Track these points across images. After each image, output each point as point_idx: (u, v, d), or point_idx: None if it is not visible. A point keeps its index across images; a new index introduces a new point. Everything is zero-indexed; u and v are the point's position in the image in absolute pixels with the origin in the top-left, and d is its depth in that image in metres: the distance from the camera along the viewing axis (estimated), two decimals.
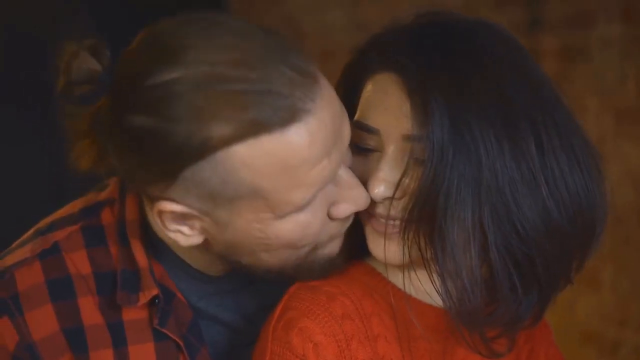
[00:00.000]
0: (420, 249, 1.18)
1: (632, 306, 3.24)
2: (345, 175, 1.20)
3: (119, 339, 1.22)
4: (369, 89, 1.23)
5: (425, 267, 1.20)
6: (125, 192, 1.27)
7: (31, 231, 1.29)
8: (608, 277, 3.32)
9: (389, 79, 1.21)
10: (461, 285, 1.17)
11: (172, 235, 1.18)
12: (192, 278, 1.29)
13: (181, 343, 1.23)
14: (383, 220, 1.21)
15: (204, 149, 1.10)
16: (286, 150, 1.11)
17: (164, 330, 1.23)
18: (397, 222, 1.20)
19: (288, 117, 1.10)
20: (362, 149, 1.23)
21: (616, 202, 3.61)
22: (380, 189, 1.19)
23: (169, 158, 1.11)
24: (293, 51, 1.14)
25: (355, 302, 1.22)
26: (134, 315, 1.23)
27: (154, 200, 1.16)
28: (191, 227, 1.18)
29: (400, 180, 1.18)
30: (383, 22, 1.27)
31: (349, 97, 1.26)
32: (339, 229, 1.23)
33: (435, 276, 1.19)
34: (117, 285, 1.23)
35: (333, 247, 1.24)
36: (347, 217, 1.23)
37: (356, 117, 1.24)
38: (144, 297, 1.22)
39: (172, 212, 1.16)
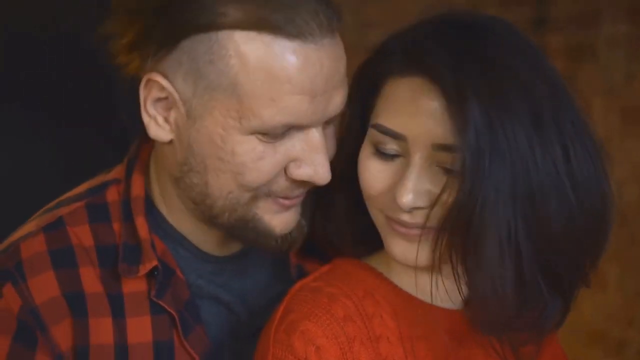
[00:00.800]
0: (451, 259, 1.17)
1: (638, 306, 3.24)
2: (318, 138, 1.22)
3: (118, 310, 1.24)
4: (393, 91, 1.19)
5: (453, 274, 1.18)
6: (131, 172, 1.30)
7: (40, 211, 1.32)
8: (614, 277, 3.32)
9: (419, 84, 1.17)
10: (492, 294, 1.16)
11: (146, 120, 1.22)
12: (194, 256, 1.30)
13: (176, 316, 1.24)
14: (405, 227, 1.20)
15: (211, 24, 1.16)
16: (278, 60, 1.16)
17: (160, 302, 1.24)
18: (416, 225, 1.19)
19: (294, 33, 1.16)
20: (383, 153, 1.20)
21: (622, 202, 3.61)
22: (408, 199, 1.17)
23: (178, 22, 1.17)
24: (331, 2, 1.21)
25: (356, 303, 1.21)
26: (133, 287, 1.25)
27: (148, 72, 1.21)
28: (165, 119, 1.22)
29: (440, 195, 1.16)
30: (389, 21, 1.27)
31: (365, 96, 1.24)
32: (285, 192, 1.24)
33: (460, 282, 1.18)
34: (118, 258, 1.25)
35: (272, 219, 1.25)
36: (297, 185, 1.24)
37: (378, 120, 1.20)
38: (144, 269, 1.24)
39: (158, 91, 1.20)
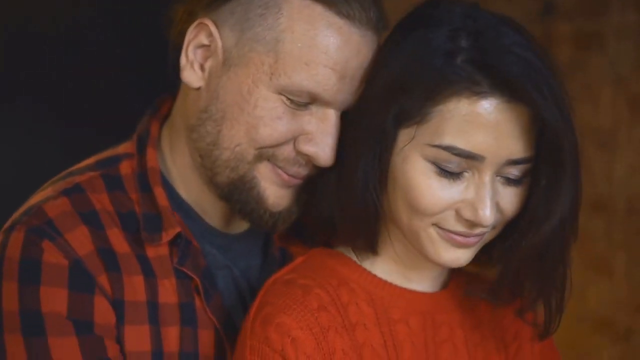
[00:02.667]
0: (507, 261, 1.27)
1: None
2: (333, 120, 1.27)
3: (148, 270, 1.28)
4: (467, 111, 1.17)
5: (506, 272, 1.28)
6: (144, 146, 1.34)
7: (49, 181, 1.34)
8: (621, 265, 3.33)
9: (499, 102, 1.17)
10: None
11: (183, 62, 1.29)
12: (205, 229, 1.35)
13: (199, 282, 1.29)
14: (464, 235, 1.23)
15: None
16: (323, 31, 1.23)
17: (183, 269, 1.29)
18: (478, 235, 1.23)
19: (345, 12, 1.23)
20: (446, 171, 1.19)
21: (630, 190, 3.62)
22: (491, 217, 1.20)
23: None
24: (383, 8, 1.28)
25: (331, 293, 1.24)
26: (157, 252, 1.29)
27: (200, 16, 1.28)
28: (201, 66, 1.28)
29: (527, 203, 1.23)
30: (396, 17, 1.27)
31: (410, 102, 1.21)
32: (287, 162, 1.28)
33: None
34: (139, 226, 1.29)
35: (268, 187, 1.29)
36: (299, 161, 1.28)
37: (449, 141, 1.18)
38: (167, 236, 1.29)
39: (205, 36, 1.27)
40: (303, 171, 1.30)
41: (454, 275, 1.34)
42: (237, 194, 1.30)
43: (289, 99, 1.25)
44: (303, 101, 1.25)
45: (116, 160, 1.35)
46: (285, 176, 1.29)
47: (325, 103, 1.26)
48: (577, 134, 1.20)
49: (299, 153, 1.28)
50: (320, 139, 1.27)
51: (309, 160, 1.28)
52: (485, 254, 1.29)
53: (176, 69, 1.30)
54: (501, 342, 1.34)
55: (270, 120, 1.25)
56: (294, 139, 1.28)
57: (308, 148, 1.27)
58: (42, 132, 2.76)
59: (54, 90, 2.80)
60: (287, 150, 1.28)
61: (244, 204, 1.30)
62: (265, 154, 1.27)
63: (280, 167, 1.29)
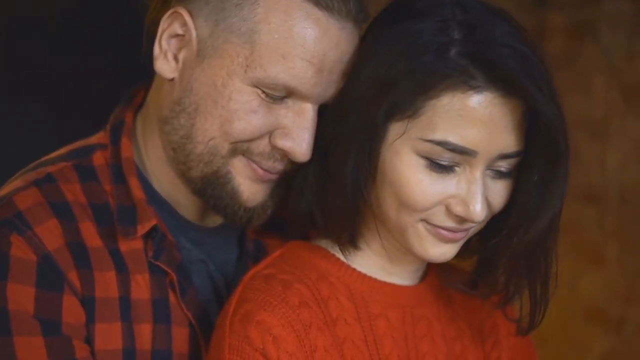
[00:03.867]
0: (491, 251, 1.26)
1: (637, 283, 3.25)
2: (310, 114, 1.24)
3: (120, 265, 1.24)
4: (460, 105, 1.15)
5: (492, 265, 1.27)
6: (118, 136, 1.31)
7: (18, 173, 1.31)
8: (614, 255, 3.33)
9: (494, 97, 1.16)
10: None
11: (156, 52, 1.26)
12: (180, 223, 1.32)
13: (174, 277, 1.26)
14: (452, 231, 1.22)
15: None
16: (301, 22, 1.20)
17: (158, 263, 1.26)
18: (466, 229, 1.23)
19: (323, 4, 1.20)
20: (438, 164, 1.18)
21: (623, 181, 3.62)
22: (483, 211, 1.19)
23: None
24: (363, 1, 1.25)
25: (311, 288, 1.22)
26: (130, 246, 1.26)
27: (174, 6, 1.25)
28: (175, 56, 1.25)
29: (517, 199, 1.22)
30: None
31: (401, 95, 1.19)
32: (262, 157, 1.25)
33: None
34: (113, 218, 1.26)
35: (243, 182, 1.26)
36: (275, 156, 1.25)
37: (441, 136, 1.16)
38: (142, 229, 1.26)
39: (179, 26, 1.24)
40: (278, 166, 1.27)
41: (430, 267, 1.32)
42: (210, 189, 1.27)
43: (264, 92, 1.22)
44: (279, 94, 1.22)
45: (89, 150, 1.31)
46: (260, 171, 1.27)
47: (302, 97, 1.23)
48: (568, 128, 1.19)
49: (274, 148, 1.25)
50: (297, 133, 1.23)
51: (284, 155, 1.25)
52: (464, 246, 1.27)
53: (150, 58, 1.28)
54: (478, 336, 1.33)
55: (245, 113, 1.22)
56: (269, 133, 1.24)
57: (284, 143, 1.24)
58: (42, 126, 2.76)
59: (54, 85, 2.80)
60: (262, 145, 1.25)
61: (218, 199, 1.27)
62: (239, 148, 1.25)
63: (255, 162, 1.26)
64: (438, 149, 1.16)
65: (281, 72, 1.20)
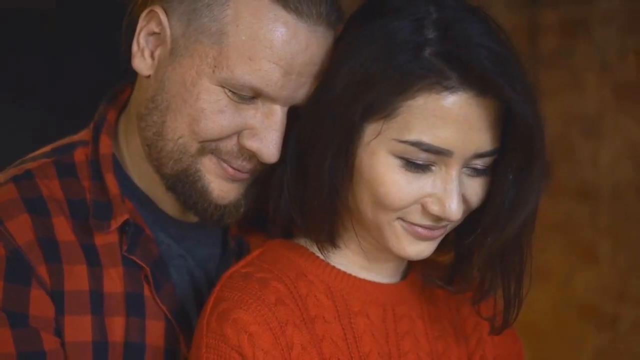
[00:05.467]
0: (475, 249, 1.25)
1: (631, 280, 3.26)
2: (279, 116, 1.24)
3: (93, 259, 1.26)
4: (436, 106, 1.15)
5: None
6: (99, 133, 1.33)
7: (1, 172, 1.34)
8: (607, 252, 3.33)
9: (469, 97, 1.15)
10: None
11: (134, 49, 1.28)
12: (159, 218, 1.34)
13: (148, 271, 1.27)
14: (427, 228, 1.22)
15: None
16: (268, 25, 1.21)
17: (132, 257, 1.27)
18: (442, 227, 1.23)
19: (292, 7, 1.21)
20: (413, 164, 1.18)
21: (616, 178, 3.62)
22: (459, 209, 1.19)
23: None
24: (337, 2, 1.26)
25: (289, 286, 1.22)
26: (105, 240, 1.27)
27: (151, 4, 1.27)
28: (151, 54, 1.27)
29: (492, 199, 1.22)
30: None
31: (374, 95, 1.19)
32: (230, 157, 1.26)
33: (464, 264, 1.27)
34: (89, 213, 1.28)
35: (213, 181, 1.28)
36: (243, 155, 1.26)
37: (416, 136, 1.16)
38: (115, 223, 1.27)
39: (155, 24, 1.26)
40: (248, 165, 1.27)
41: (412, 264, 1.32)
42: (181, 186, 1.28)
43: (232, 91, 1.23)
44: (246, 95, 1.23)
45: (71, 147, 1.33)
46: (230, 170, 1.27)
47: (269, 99, 1.24)
48: (544, 129, 1.19)
49: (242, 147, 1.26)
50: (264, 134, 1.24)
51: (253, 154, 1.26)
52: (442, 241, 1.27)
53: (129, 55, 1.30)
54: (461, 334, 1.33)
55: (212, 113, 1.23)
56: (237, 133, 1.25)
57: (251, 143, 1.25)
58: (34, 125, 2.76)
59: (47, 85, 2.80)
60: (230, 144, 1.26)
61: (187, 196, 1.29)
62: (208, 147, 1.26)
63: (224, 161, 1.27)
64: (413, 149, 1.16)
65: (247, 74, 1.21)
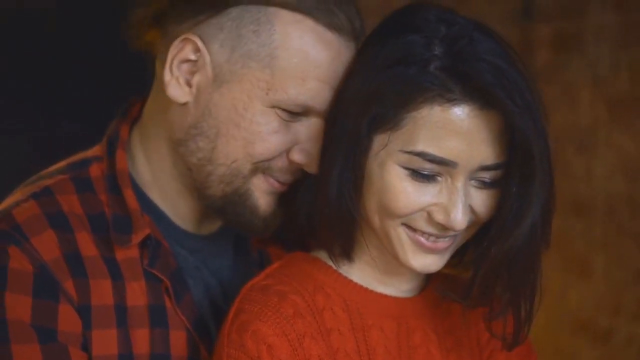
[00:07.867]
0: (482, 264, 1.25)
1: (624, 295, 3.26)
2: (317, 127, 1.29)
3: (115, 273, 1.28)
4: (440, 117, 1.18)
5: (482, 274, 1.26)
6: (114, 149, 1.34)
7: (19, 187, 1.34)
8: (600, 267, 3.34)
9: (472, 109, 1.18)
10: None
11: (167, 78, 1.28)
12: (175, 231, 1.36)
13: (169, 284, 1.29)
14: (433, 239, 1.23)
15: None
16: (316, 46, 1.26)
17: (153, 271, 1.29)
18: (448, 238, 1.24)
19: (334, 26, 1.26)
20: (420, 174, 1.20)
21: (608, 192, 3.63)
22: (464, 220, 1.21)
23: None
24: (362, 19, 1.30)
25: (306, 299, 1.25)
26: (126, 254, 1.29)
27: (185, 32, 1.27)
28: (187, 81, 1.28)
29: (499, 210, 1.22)
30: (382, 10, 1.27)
31: (382, 109, 1.22)
32: (280, 173, 1.30)
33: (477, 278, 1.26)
34: (109, 227, 1.29)
35: (261, 197, 1.31)
36: (292, 169, 1.30)
37: (422, 147, 1.19)
38: (137, 238, 1.29)
39: (191, 51, 1.27)
40: (292, 178, 1.32)
41: (431, 278, 1.34)
42: (231, 206, 1.31)
43: (283, 110, 1.27)
44: (298, 111, 1.27)
45: (86, 163, 1.35)
46: (276, 184, 1.31)
47: (315, 113, 1.28)
48: (549, 141, 1.21)
49: (291, 162, 1.30)
50: (311, 147, 1.29)
51: (299, 167, 1.30)
52: (456, 257, 1.29)
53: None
54: (476, 347, 1.33)
55: (267, 134, 1.27)
56: (287, 150, 1.29)
57: (301, 157, 1.29)
58: (27, 125, 2.76)
59: (41, 84, 2.80)
60: (281, 161, 1.30)
61: (238, 215, 1.32)
62: (261, 167, 1.29)
63: (273, 177, 1.31)
64: (418, 160, 1.19)
65: (301, 94, 1.26)
